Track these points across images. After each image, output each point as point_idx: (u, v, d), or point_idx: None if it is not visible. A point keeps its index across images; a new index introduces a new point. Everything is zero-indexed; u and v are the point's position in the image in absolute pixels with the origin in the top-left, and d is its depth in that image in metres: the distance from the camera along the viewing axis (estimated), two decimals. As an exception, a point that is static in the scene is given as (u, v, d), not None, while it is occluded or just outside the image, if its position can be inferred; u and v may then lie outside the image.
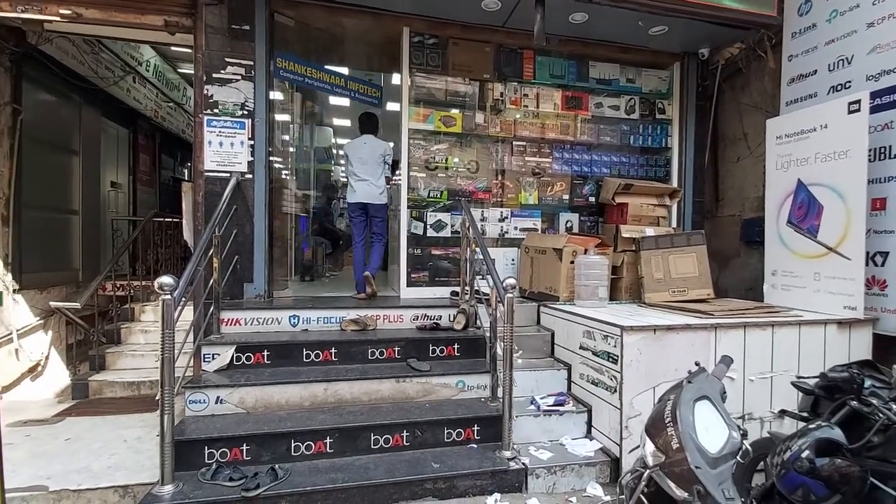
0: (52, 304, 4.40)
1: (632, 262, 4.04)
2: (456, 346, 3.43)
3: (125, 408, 3.75)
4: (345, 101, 7.13)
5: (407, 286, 4.18)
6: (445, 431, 2.80)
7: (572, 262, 3.83)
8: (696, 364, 1.71)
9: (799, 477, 1.50)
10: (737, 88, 5.08)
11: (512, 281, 2.71)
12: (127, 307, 4.91)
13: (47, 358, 5.16)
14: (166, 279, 2.26)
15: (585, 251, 3.85)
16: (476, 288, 3.65)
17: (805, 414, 2.23)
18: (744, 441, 1.39)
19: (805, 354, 2.99)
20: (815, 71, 3.81)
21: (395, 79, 5.28)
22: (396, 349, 3.32)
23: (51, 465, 2.73)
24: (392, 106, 6.99)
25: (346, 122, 8.37)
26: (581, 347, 3.18)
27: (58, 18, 3.48)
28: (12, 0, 3.38)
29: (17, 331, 4.68)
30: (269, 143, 3.85)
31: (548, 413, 2.98)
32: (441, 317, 3.74)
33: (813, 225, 3.40)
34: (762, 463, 2.08)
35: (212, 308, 3.21)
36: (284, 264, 4.80)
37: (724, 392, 1.60)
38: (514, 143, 4.47)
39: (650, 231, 4.12)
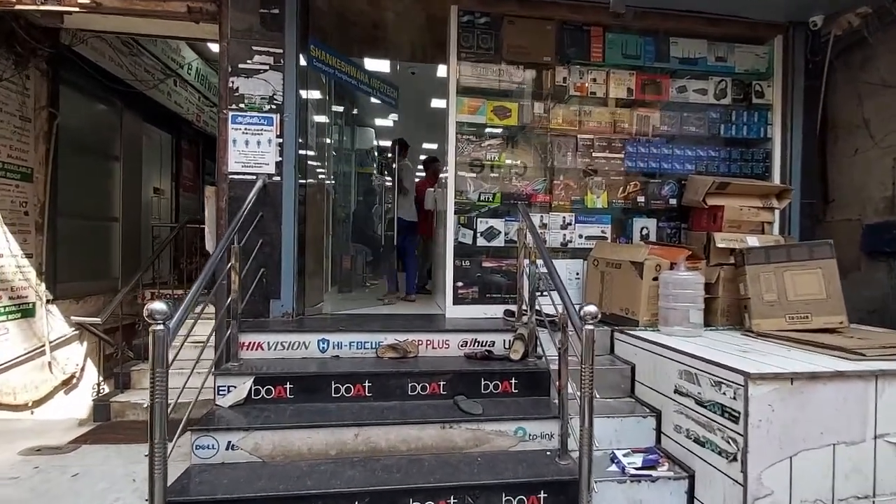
0: (74, 318, 4.17)
1: (730, 279, 3.27)
2: (513, 382, 2.82)
3: (145, 434, 3.40)
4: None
5: (453, 304, 3.61)
6: (504, 499, 2.19)
7: (656, 279, 3.12)
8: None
9: None
10: (854, 65, 4.17)
11: (592, 308, 2.08)
12: (157, 320, 4.64)
13: (82, 370, 5.00)
14: (157, 305, 1.80)
15: (672, 265, 3.13)
16: (537, 307, 3.03)
17: None
18: None
19: None
20: None
21: (441, 70, 4.75)
22: (441, 384, 2.76)
23: (46, 513, 2.37)
24: (437, 103, 6.50)
25: (388, 123, 7.95)
26: (677, 392, 2.48)
27: (76, 9, 3.21)
28: (29, -9, 3.14)
29: (51, 343, 4.52)
30: (301, 142, 3.41)
31: (636, 479, 2.31)
32: (494, 343, 3.14)
33: None
34: None
35: (229, 330, 2.78)
36: (319, 275, 4.37)
37: None
38: (578, 136, 3.81)
39: (753, 240, 3.34)
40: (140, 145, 6.20)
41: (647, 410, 2.69)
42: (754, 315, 3.00)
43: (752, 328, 3.01)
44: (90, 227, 5.30)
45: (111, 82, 5.28)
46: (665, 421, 2.59)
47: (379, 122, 7.95)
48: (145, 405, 3.77)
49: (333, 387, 2.67)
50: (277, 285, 3.30)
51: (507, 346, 3.14)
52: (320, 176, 4.44)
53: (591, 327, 2.08)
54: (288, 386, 2.64)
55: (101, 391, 4.11)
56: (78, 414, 4.41)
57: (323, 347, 2.98)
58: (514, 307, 3.51)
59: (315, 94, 4.37)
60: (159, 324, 1.81)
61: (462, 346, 3.11)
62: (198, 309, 2.56)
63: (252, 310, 3.25)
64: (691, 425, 2.36)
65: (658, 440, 2.63)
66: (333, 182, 5.81)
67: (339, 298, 4.78)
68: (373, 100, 6.73)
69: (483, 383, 2.80)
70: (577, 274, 3.78)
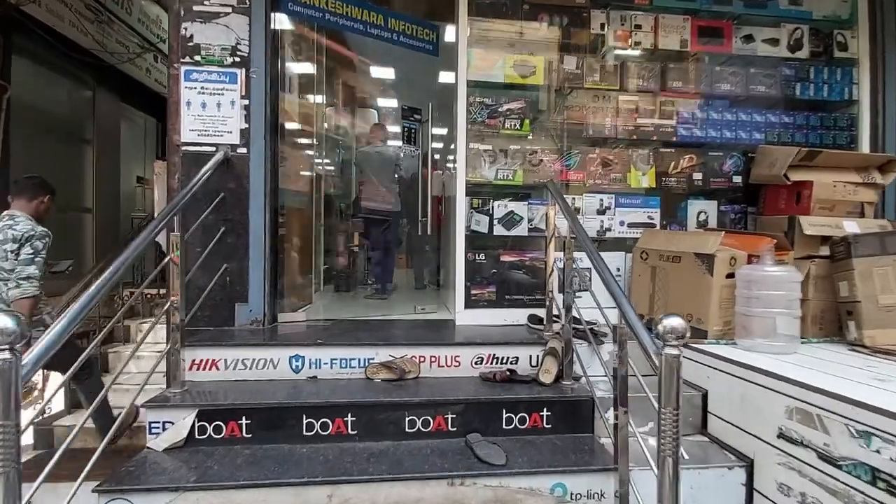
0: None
1: (823, 276, 2.52)
2: (545, 414, 2.13)
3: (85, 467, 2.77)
4: (389, 73, 5.99)
5: (465, 307, 2.91)
6: None
7: (730, 276, 2.39)
8: None
9: None
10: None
11: (678, 322, 1.37)
12: (120, 324, 4.03)
13: (46, 380, 4.43)
14: (2, 321, 1.14)
15: (750, 258, 2.40)
16: (573, 313, 2.32)
17: None
18: None
19: None
20: None
21: (450, 34, 4.01)
22: (450, 417, 2.07)
23: None
24: (446, 76, 5.76)
25: (393, 103, 7.25)
26: (784, 437, 1.75)
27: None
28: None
29: (2, 350, 3.94)
30: (273, 104, 2.74)
31: (733, 568, 1.60)
32: (517, 359, 2.44)
33: None
34: None
35: (168, 346, 2.11)
36: (307, 272, 3.71)
37: None
38: (619, 98, 3.07)
39: (851, 225, 2.59)
40: (118, 128, 5.61)
41: (732, 458, 1.97)
42: (866, 324, 2.25)
43: (861, 341, 2.27)
44: (55, 218, 4.70)
45: (77, 53, 4.67)
46: (762, 475, 1.86)
47: (382, 102, 7.28)
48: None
49: (305, 422, 2.00)
50: (244, 286, 2.64)
51: (535, 364, 2.44)
52: (307, 153, 3.77)
53: (675, 352, 1.36)
54: (244, 422, 1.97)
55: (48, 411, 3.50)
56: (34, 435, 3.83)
57: (296, 366, 2.31)
58: (541, 311, 2.81)
59: (304, 67, 3.68)
60: (4, 350, 1.16)
61: (476, 363, 2.42)
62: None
63: (213, 316, 2.60)
64: (811, 489, 1.63)
65: (749, 500, 1.90)
66: (329, 165, 5.17)
67: (333, 300, 4.13)
68: (374, 74, 6.08)
69: (505, 416, 2.11)
70: (618, 270, 3.06)
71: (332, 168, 5.45)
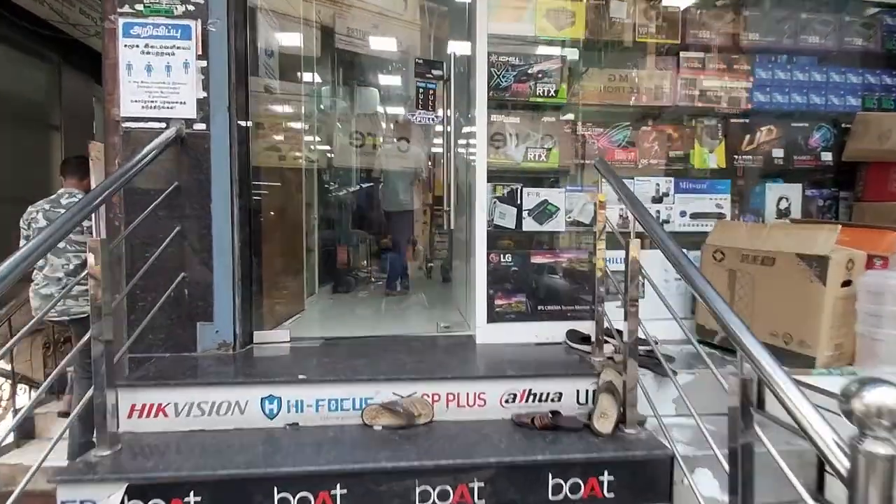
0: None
1: (964, 281, 1.90)
2: (605, 479, 1.55)
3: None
4: (391, 46, 5.34)
5: (487, 322, 2.33)
6: None
7: (847, 284, 1.79)
8: None
9: None
10: None
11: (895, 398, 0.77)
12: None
13: (14, 393, 3.95)
14: None
15: (871, 260, 1.80)
16: (639, 333, 1.74)
17: None
18: None
19: None
20: None
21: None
22: (476, 487, 1.51)
23: None
24: (457, 47, 5.12)
25: (396, 81, 6.61)
26: None
27: None
28: None
29: (-46, 366, 3.45)
30: (240, 66, 2.14)
31: None
32: (560, 396, 1.86)
33: None
34: None
35: (92, 389, 1.55)
36: (297, 275, 3.14)
37: None
38: (680, 55, 2.44)
39: None
40: (89, 112, 5.03)
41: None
42: None
43: None
44: (14, 214, 4.17)
45: (34, 25, 4.08)
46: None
47: (385, 81, 6.64)
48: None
49: (277, 497, 1.44)
50: (209, 299, 2.07)
51: (582, 401, 1.86)
52: (294, 130, 3.16)
53: (887, 451, 0.78)
54: (192, 499, 1.42)
55: (-7, 442, 2.98)
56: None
57: (271, 410, 1.75)
58: (582, 326, 2.23)
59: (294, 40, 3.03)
60: None
61: (507, 401, 1.84)
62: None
63: (170, 339, 2.05)
64: None
65: None
66: (329, 151, 4.59)
67: (330, 305, 3.56)
68: (375, 44, 5.43)
69: (552, 482, 1.54)
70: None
71: (332, 155, 4.88)
